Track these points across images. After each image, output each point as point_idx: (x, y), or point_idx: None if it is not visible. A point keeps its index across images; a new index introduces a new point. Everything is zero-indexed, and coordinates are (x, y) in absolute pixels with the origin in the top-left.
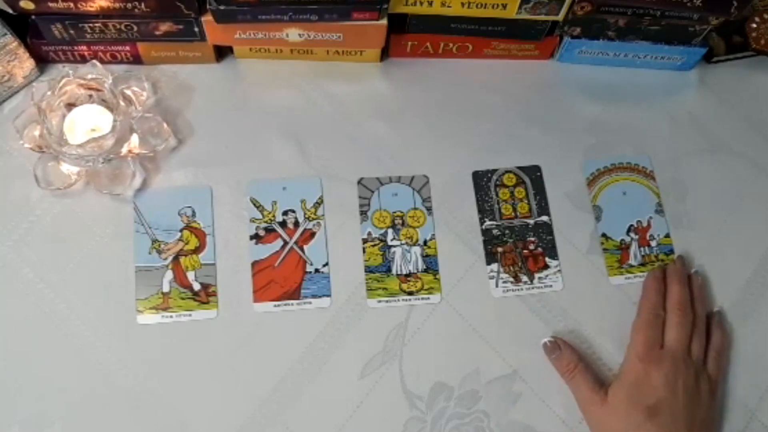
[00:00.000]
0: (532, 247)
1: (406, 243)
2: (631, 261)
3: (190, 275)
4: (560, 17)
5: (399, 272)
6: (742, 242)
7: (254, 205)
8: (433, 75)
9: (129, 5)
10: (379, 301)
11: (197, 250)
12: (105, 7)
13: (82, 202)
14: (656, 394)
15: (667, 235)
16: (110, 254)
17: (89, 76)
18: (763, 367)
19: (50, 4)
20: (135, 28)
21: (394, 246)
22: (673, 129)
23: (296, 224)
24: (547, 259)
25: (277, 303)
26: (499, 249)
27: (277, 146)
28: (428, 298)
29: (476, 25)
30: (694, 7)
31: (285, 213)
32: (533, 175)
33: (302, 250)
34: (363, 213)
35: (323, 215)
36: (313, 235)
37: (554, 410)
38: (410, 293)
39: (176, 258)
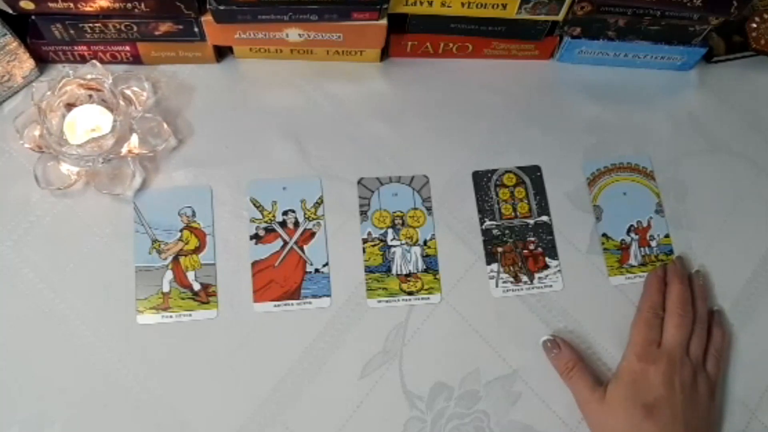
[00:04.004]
0: (532, 247)
1: (406, 243)
2: (632, 261)
3: (190, 275)
4: (560, 17)
5: (399, 272)
6: (742, 242)
7: (254, 205)
8: (433, 75)
9: (129, 5)
10: (379, 301)
11: (197, 250)
12: (105, 7)
13: (82, 202)
14: (654, 393)
15: (667, 236)
16: (110, 254)
17: (89, 76)
18: (763, 367)
19: (50, 4)
20: (135, 28)
21: (394, 246)
22: (673, 129)
23: (296, 224)
24: (547, 259)
25: (277, 303)
26: (499, 249)
27: (277, 146)
28: (428, 298)
29: (476, 25)
30: (694, 7)
31: (285, 213)
32: (533, 175)
33: (302, 250)
34: (363, 213)
35: (323, 215)
36: (313, 235)
37: (554, 410)
38: (410, 293)
39: (176, 258)
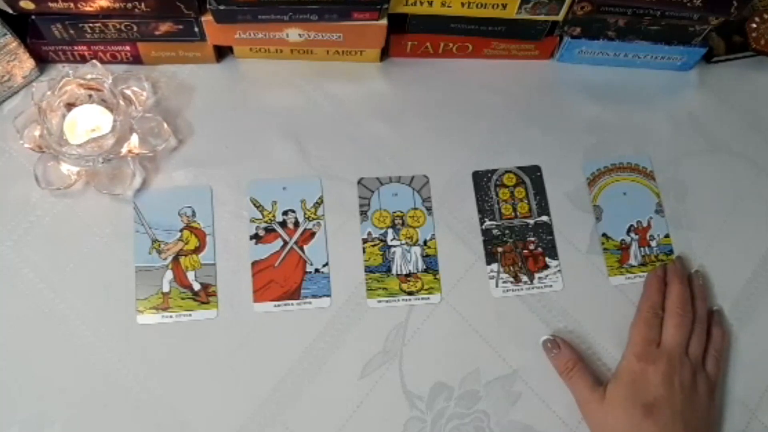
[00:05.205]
0: (532, 247)
1: (406, 243)
2: (632, 261)
3: (190, 275)
4: (560, 17)
5: (399, 272)
6: (742, 242)
7: (254, 205)
8: (433, 75)
9: (129, 5)
10: (379, 301)
11: (197, 250)
12: (105, 7)
13: (82, 202)
14: (653, 393)
15: (667, 236)
16: (110, 254)
17: (89, 76)
18: (763, 367)
19: (50, 4)
20: (135, 28)
21: (394, 246)
22: (673, 129)
23: (296, 224)
24: (547, 259)
25: (277, 303)
26: (499, 249)
27: (277, 146)
28: (428, 298)
29: (476, 25)
30: (694, 7)
31: (285, 213)
32: (533, 175)
33: (302, 250)
34: (363, 213)
35: (323, 215)
36: (313, 235)
37: (554, 410)
38: (410, 293)
39: (176, 258)
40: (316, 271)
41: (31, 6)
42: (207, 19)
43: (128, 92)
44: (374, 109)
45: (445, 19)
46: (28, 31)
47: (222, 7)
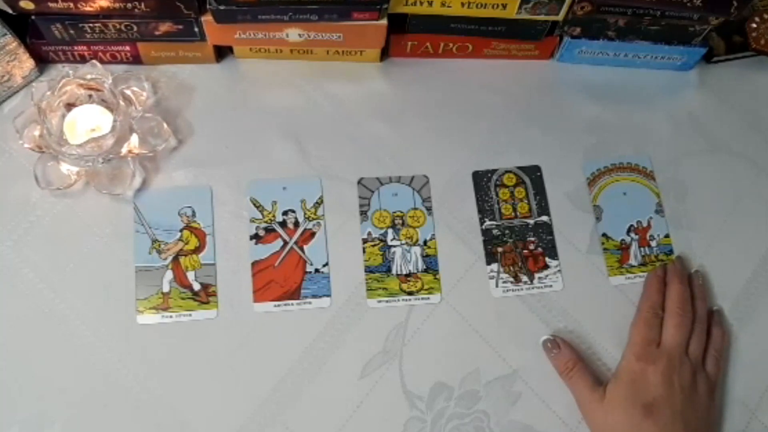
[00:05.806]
0: (532, 247)
1: (406, 243)
2: (632, 261)
3: (190, 275)
4: (560, 17)
5: (399, 272)
6: (742, 242)
7: (254, 205)
8: (433, 75)
9: (129, 5)
10: (379, 301)
11: (197, 250)
12: (105, 7)
13: (82, 202)
14: (653, 392)
15: (667, 236)
16: (110, 254)
17: (89, 76)
18: (763, 367)
19: (50, 4)
20: (135, 28)
21: (394, 246)
22: (673, 129)
23: (296, 224)
24: (547, 259)
25: (277, 303)
26: (499, 249)
27: (277, 146)
28: (428, 298)
29: (476, 25)
30: (694, 7)
31: (285, 213)
32: (533, 175)
33: (302, 250)
34: (363, 213)
35: (323, 215)
36: (313, 235)
37: (554, 410)
38: (410, 293)
39: (176, 258)
40: (316, 271)
41: (31, 6)
42: (207, 19)
43: (128, 92)
44: (374, 109)
45: (445, 19)
46: (28, 31)
47: (222, 7)
